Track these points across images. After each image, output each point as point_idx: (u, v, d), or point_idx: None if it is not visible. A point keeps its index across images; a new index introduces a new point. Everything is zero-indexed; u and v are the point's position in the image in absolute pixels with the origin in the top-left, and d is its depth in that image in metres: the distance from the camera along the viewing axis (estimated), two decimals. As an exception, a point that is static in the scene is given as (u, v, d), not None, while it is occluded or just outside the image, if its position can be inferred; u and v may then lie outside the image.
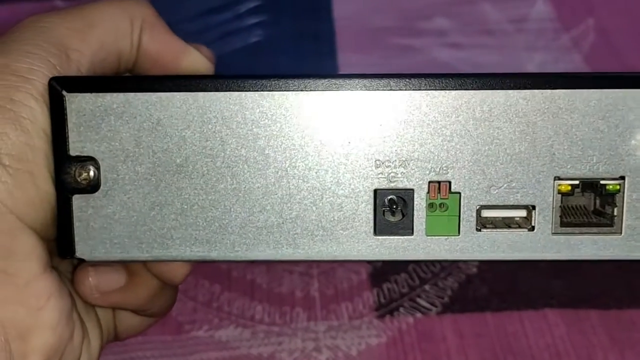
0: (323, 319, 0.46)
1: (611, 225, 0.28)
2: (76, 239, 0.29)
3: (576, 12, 0.70)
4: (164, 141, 0.28)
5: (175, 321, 0.46)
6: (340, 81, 0.28)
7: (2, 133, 0.27)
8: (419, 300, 0.47)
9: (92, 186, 0.28)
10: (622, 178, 0.28)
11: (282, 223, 0.29)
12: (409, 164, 0.28)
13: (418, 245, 0.28)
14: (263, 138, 0.28)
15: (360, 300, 0.47)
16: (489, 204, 0.28)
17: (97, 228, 0.29)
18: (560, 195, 0.28)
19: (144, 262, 0.31)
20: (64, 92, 0.28)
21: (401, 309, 0.47)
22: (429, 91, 0.28)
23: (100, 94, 0.28)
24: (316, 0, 0.72)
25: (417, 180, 0.28)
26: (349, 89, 0.28)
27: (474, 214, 0.28)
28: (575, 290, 0.47)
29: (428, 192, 0.28)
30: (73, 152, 0.28)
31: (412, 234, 0.28)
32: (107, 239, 0.29)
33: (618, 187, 0.28)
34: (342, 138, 0.28)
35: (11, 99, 0.27)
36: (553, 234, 0.28)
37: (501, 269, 0.49)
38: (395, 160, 0.28)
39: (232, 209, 0.29)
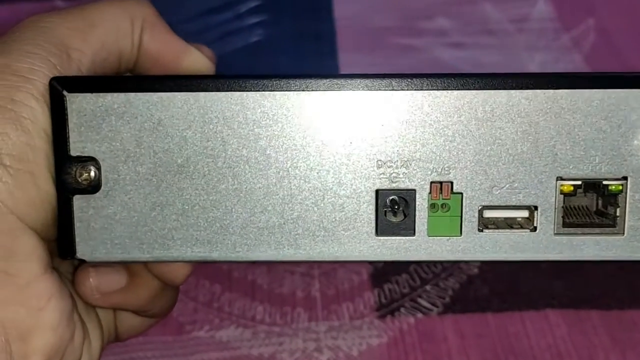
0: (324, 319, 0.46)
1: (614, 225, 0.28)
2: (77, 239, 0.29)
3: (577, 12, 0.70)
4: (165, 141, 0.28)
5: (176, 321, 0.46)
6: (342, 81, 0.28)
7: (3, 133, 0.27)
8: (420, 300, 0.47)
9: (93, 186, 0.28)
10: (625, 178, 0.28)
11: (284, 223, 0.28)
12: (410, 164, 0.28)
13: (420, 245, 0.28)
14: (264, 138, 0.28)
15: (361, 301, 0.47)
16: (491, 204, 0.28)
17: (97, 228, 0.29)
18: (562, 196, 0.28)
19: (145, 263, 0.31)
20: (65, 92, 0.28)
21: (402, 309, 0.47)
22: (431, 91, 0.28)
23: (101, 94, 0.28)
24: (317, 0, 0.72)
25: (419, 180, 0.28)
26: (350, 89, 0.28)
27: (476, 215, 0.28)
28: (577, 291, 0.47)
29: (430, 193, 0.28)
30: (74, 153, 0.28)
31: (414, 234, 0.28)
32: (108, 239, 0.29)
33: (620, 187, 0.28)
34: (344, 138, 0.28)
35: (12, 99, 0.27)
36: (555, 234, 0.28)
37: (502, 270, 0.49)
38: (397, 161, 0.28)
39: (233, 210, 0.28)
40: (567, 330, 0.45)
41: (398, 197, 0.28)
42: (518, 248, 0.28)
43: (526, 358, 0.44)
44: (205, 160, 0.28)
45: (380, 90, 0.28)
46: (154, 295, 0.32)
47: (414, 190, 0.28)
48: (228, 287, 0.48)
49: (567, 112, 0.27)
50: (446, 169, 0.28)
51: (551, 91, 0.27)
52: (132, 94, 0.28)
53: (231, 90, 0.28)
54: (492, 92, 0.27)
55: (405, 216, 0.28)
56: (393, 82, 0.28)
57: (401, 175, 0.28)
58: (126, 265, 0.31)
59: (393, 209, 0.28)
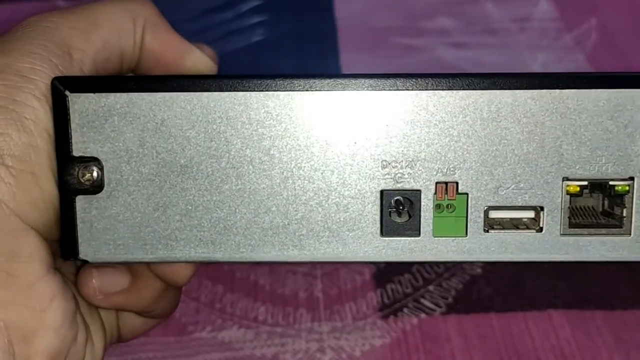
0: (327, 319, 0.46)
1: (620, 226, 0.28)
2: (79, 240, 0.28)
3: (579, 12, 0.69)
4: (168, 142, 0.28)
5: (178, 322, 0.46)
6: (346, 81, 0.28)
7: (5, 134, 0.26)
8: (422, 300, 0.47)
9: (96, 187, 0.28)
10: (632, 179, 0.28)
11: (288, 224, 0.28)
12: (415, 165, 0.28)
13: (425, 246, 0.28)
14: (268, 138, 0.28)
15: (364, 301, 0.47)
16: (497, 204, 0.28)
17: (100, 229, 0.28)
18: (568, 196, 0.28)
19: (148, 264, 0.30)
20: (67, 92, 0.28)
21: (405, 310, 0.46)
22: (436, 91, 0.27)
23: (104, 94, 0.28)
24: (318, 0, 0.72)
25: (424, 181, 0.28)
26: (355, 89, 0.28)
27: (482, 215, 0.28)
28: (580, 291, 0.47)
29: (435, 193, 0.28)
30: (76, 153, 0.28)
31: (419, 235, 0.28)
32: (111, 240, 0.29)
33: (627, 188, 0.28)
34: (348, 138, 0.28)
35: (14, 99, 0.27)
36: (561, 235, 0.28)
37: (505, 270, 0.48)
38: (402, 161, 0.28)
39: (237, 210, 0.28)
40: (570, 331, 0.45)
41: (403, 197, 0.28)
42: (524, 249, 0.28)
43: (530, 359, 0.44)
44: (209, 160, 0.28)
45: (385, 90, 0.27)
46: (157, 296, 0.32)
47: (419, 190, 0.28)
48: (230, 288, 0.48)
49: (573, 112, 0.27)
50: (451, 169, 0.28)
51: (557, 91, 0.27)
52: (135, 94, 0.28)
53: (235, 90, 0.28)
54: (497, 92, 0.27)
55: (410, 217, 0.28)
56: (398, 82, 0.27)
57: (406, 176, 0.28)
58: (129, 266, 0.31)
59: (398, 210, 0.28)
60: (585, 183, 0.28)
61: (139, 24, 0.31)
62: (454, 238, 0.28)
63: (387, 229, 0.28)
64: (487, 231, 0.28)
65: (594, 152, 0.27)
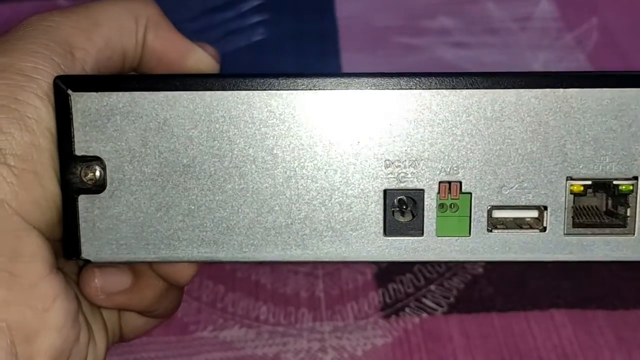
0: (328, 319, 0.46)
1: (624, 226, 0.28)
2: (82, 239, 0.28)
3: (580, 12, 0.69)
4: (171, 141, 0.28)
5: (180, 322, 0.46)
6: (349, 80, 0.27)
7: (7, 133, 0.26)
8: (424, 300, 0.47)
9: (98, 186, 0.28)
10: (635, 178, 0.28)
11: (291, 224, 0.28)
12: (419, 164, 0.28)
13: (428, 246, 0.28)
14: (271, 137, 0.28)
15: (365, 301, 0.47)
16: (501, 204, 0.28)
17: (103, 229, 0.28)
18: (572, 196, 0.28)
19: (151, 263, 0.30)
20: (70, 91, 0.28)
21: (407, 309, 0.46)
22: (440, 90, 0.27)
23: (106, 93, 0.28)
24: (318, -1, 0.72)
25: (428, 180, 0.28)
26: (358, 88, 0.27)
27: (485, 215, 0.28)
28: (582, 291, 0.47)
29: (438, 193, 0.28)
30: (79, 152, 0.28)
31: (422, 234, 0.28)
32: (113, 239, 0.28)
33: (631, 187, 0.28)
34: (351, 138, 0.28)
35: (16, 99, 0.27)
36: (565, 234, 0.28)
37: (507, 269, 0.48)
38: (405, 160, 0.28)
39: (239, 210, 0.28)
40: (572, 330, 0.45)
41: (406, 197, 0.28)
42: (527, 248, 0.28)
43: (531, 358, 0.43)
44: (212, 160, 0.28)
45: (388, 89, 0.27)
46: (159, 295, 0.31)
47: (423, 190, 0.28)
48: (231, 287, 0.48)
49: (577, 112, 0.27)
50: (455, 168, 0.28)
51: (561, 90, 0.27)
52: (138, 93, 0.28)
53: (238, 90, 0.28)
54: (501, 91, 0.27)
55: (413, 216, 0.28)
56: (401, 81, 0.27)
57: (409, 175, 0.28)
58: (131, 266, 0.31)
59: (401, 209, 0.28)
60: (589, 182, 0.28)
61: (141, 23, 0.31)
62: (457, 238, 0.28)
63: (390, 228, 0.28)
64: (491, 231, 0.28)
65: (598, 151, 0.27)
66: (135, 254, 0.29)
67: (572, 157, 0.27)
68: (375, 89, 0.27)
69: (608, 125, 0.27)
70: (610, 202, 0.28)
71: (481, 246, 0.28)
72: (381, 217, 0.28)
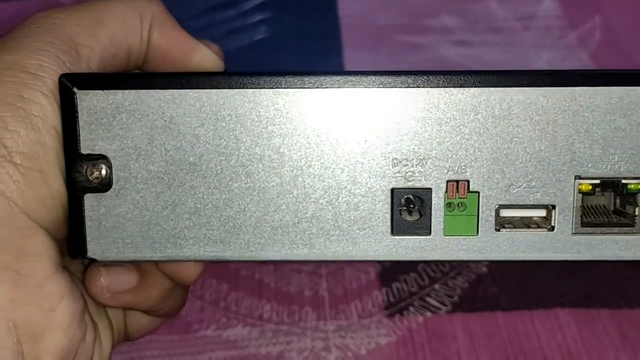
0: (332, 318, 0.46)
1: (632, 225, 0.28)
2: (88, 238, 0.28)
3: (583, 10, 0.69)
4: (177, 139, 0.28)
5: (183, 320, 0.46)
6: (356, 78, 0.27)
7: (13, 131, 0.26)
8: (428, 299, 0.47)
9: (104, 185, 0.28)
10: (644, 177, 0.27)
11: (298, 223, 0.28)
12: (426, 163, 0.28)
13: (436, 245, 0.28)
14: (278, 136, 0.28)
15: (369, 300, 0.47)
16: (508, 203, 0.28)
17: (109, 227, 0.28)
18: (580, 195, 0.28)
19: (157, 262, 0.30)
20: (75, 89, 0.27)
21: (411, 308, 0.46)
22: (447, 88, 0.27)
23: (112, 91, 0.28)
24: (321, -2, 0.71)
25: (435, 179, 0.28)
26: (365, 86, 0.27)
27: (493, 214, 0.28)
28: (586, 290, 0.47)
29: (446, 192, 0.28)
30: (84, 150, 0.28)
31: (429, 233, 0.28)
32: (119, 238, 0.28)
33: (639, 186, 0.27)
34: (359, 136, 0.28)
35: (21, 97, 0.27)
36: (573, 234, 0.28)
37: (511, 268, 0.48)
38: (413, 159, 0.28)
39: (246, 208, 0.28)
40: (577, 329, 0.45)
41: (414, 195, 0.28)
42: (535, 248, 0.28)
43: (536, 357, 0.43)
44: (218, 158, 0.28)
45: (395, 87, 0.27)
46: (165, 294, 0.31)
47: (430, 189, 0.28)
48: (235, 286, 0.48)
49: (585, 110, 0.27)
50: (462, 167, 0.28)
51: (569, 89, 0.27)
52: (144, 91, 0.28)
53: (244, 88, 0.27)
54: (509, 89, 0.27)
55: (421, 215, 0.28)
56: (409, 80, 0.27)
57: (417, 174, 0.28)
58: (137, 265, 0.31)
59: (409, 208, 0.28)
60: (598, 181, 0.28)
61: (145, 20, 0.31)
62: (465, 237, 0.28)
63: (397, 227, 0.28)
64: (499, 230, 0.28)
65: (606, 150, 0.27)
66: (141, 252, 0.28)
67: (580, 155, 0.27)
68: (383, 87, 0.27)
69: (617, 124, 0.27)
70: (618, 201, 0.28)
71: (489, 245, 0.28)
72: (388, 216, 0.28)
